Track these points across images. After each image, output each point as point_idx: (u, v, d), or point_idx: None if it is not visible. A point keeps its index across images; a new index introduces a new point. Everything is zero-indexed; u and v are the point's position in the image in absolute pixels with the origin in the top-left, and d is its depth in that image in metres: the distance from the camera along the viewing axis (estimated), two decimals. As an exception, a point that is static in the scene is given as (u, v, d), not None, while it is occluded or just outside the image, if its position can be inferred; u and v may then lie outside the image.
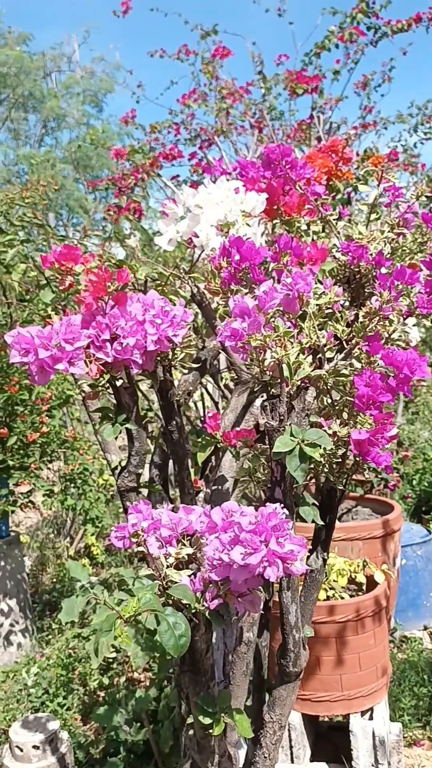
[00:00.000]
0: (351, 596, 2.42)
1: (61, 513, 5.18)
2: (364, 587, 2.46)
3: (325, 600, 2.28)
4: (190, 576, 0.92)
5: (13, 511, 3.49)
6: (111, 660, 3.36)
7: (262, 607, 0.91)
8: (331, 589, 2.36)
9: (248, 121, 5.05)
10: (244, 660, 1.17)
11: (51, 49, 13.41)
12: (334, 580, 2.35)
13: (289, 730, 2.27)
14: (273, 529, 0.81)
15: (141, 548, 0.89)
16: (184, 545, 0.95)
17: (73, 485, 3.68)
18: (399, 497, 4.67)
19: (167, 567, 0.91)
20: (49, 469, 3.91)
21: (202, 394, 3.15)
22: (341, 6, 4.90)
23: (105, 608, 1.18)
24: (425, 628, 3.45)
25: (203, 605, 0.88)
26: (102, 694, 3.27)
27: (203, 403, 3.32)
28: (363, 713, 2.30)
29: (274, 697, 1.11)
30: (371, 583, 2.43)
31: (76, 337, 1.07)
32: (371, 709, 2.30)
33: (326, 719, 2.55)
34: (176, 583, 0.90)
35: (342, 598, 2.35)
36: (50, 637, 3.89)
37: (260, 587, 0.87)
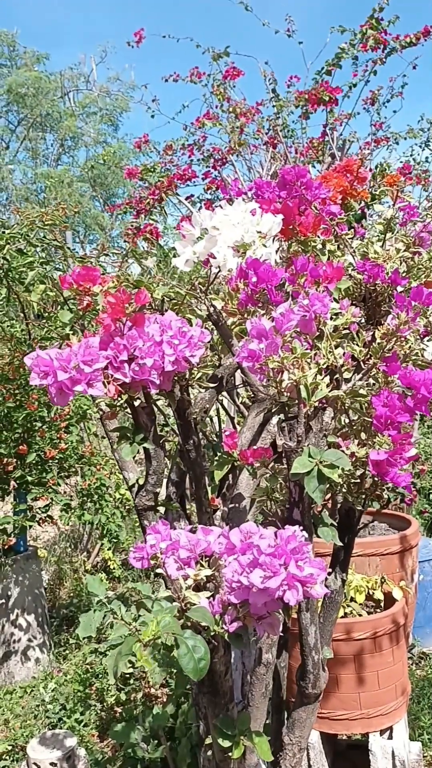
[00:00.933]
0: (369, 613, 2.40)
1: (78, 527, 5.20)
2: (382, 604, 2.44)
3: (342, 617, 2.27)
4: (208, 598, 0.92)
5: (31, 526, 3.51)
6: (128, 675, 3.36)
7: (281, 629, 0.91)
8: (348, 606, 2.35)
9: (261, 138, 5.08)
10: (263, 681, 1.16)
11: (69, 69, 13.60)
12: (351, 598, 2.34)
13: (307, 749, 2.25)
14: (292, 552, 0.82)
15: (160, 570, 0.90)
16: (203, 566, 0.96)
17: (90, 500, 3.69)
18: (416, 512, 4.63)
19: (186, 589, 0.92)
20: (66, 483, 3.93)
21: (218, 410, 3.16)
22: (349, 24, 4.92)
23: (122, 624, 1.18)
24: (444, 645, 3.41)
25: (222, 628, 0.89)
26: (119, 710, 3.26)
27: (219, 419, 3.32)
28: (382, 732, 2.27)
29: (293, 719, 1.10)
30: (389, 600, 2.41)
31: (95, 359, 1.08)
32: (390, 728, 2.28)
33: (345, 737, 2.52)
34: (195, 605, 0.90)
35: (360, 615, 2.34)
36: (67, 652, 3.89)
37: (279, 609, 0.88)
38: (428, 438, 5.87)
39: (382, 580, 2.45)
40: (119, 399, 1.21)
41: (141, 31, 5.33)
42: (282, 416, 1.08)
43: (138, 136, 5.44)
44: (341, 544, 1.09)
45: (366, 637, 2.20)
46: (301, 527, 0.98)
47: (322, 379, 1.00)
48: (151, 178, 4.69)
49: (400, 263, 1.39)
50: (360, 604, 2.39)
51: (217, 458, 1.45)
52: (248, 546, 0.89)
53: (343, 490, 1.08)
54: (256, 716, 1.15)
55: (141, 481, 1.36)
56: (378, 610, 2.40)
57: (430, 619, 3.40)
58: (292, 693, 1.15)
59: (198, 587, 0.95)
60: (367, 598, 2.44)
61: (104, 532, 3.58)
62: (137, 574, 4.56)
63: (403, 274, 1.38)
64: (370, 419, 1.04)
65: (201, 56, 5.42)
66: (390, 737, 2.25)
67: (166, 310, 1.48)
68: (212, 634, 0.90)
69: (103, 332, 1.17)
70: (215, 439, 2.64)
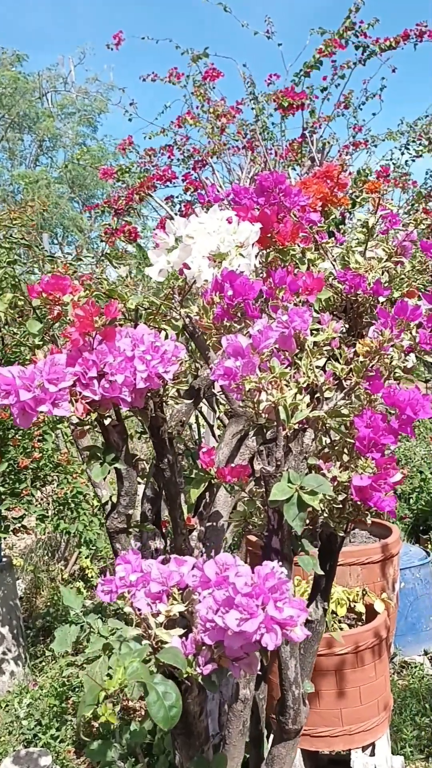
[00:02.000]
0: (350, 626, 2.36)
1: (56, 535, 5.10)
2: (363, 617, 2.40)
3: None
4: (181, 636, 0.86)
5: (4, 537, 3.42)
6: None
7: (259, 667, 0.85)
8: (329, 619, 2.30)
9: (241, 141, 5.03)
10: (240, 718, 1.10)
11: (47, 70, 13.47)
12: (333, 611, 2.29)
13: None
14: (271, 590, 0.76)
15: (128, 609, 0.84)
16: (176, 600, 0.90)
17: (66, 508, 3.61)
18: (396, 518, 4.60)
19: (157, 626, 0.85)
20: (42, 492, 3.84)
21: (197, 417, 3.10)
22: (330, 26, 4.89)
23: (98, 638, 1.11)
24: (425, 653, 3.38)
25: (196, 670, 0.82)
26: (96, 724, 3.18)
27: (198, 426, 3.27)
28: (364, 748, 2.23)
29: (273, 755, 1.05)
30: (371, 612, 2.37)
31: (61, 377, 1.01)
32: (373, 744, 2.23)
33: (326, 752, 2.47)
34: (166, 644, 0.84)
35: (341, 628, 2.29)
36: (44, 664, 3.80)
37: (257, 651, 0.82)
38: (408, 442, 5.86)
39: (364, 592, 2.41)
40: (88, 417, 1.14)
41: (120, 34, 5.27)
42: (260, 437, 1.02)
43: (116, 138, 5.39)
44: (322, 572, 1.04)
45: (347, 651, 2.15)
46: (280, 557, 0.92)
47: (302, 398, 0.94)
48: (127, 179, 4.62)
49: (382, 273, 1.34)
50: (342, 617, 2.34)
51: (193, 476, 1.39)
52: (223, 580, 0.83)
53: (324, 515, 1.02)
54: (233, 755, 1.09)
55: (115, 499, 1.30)
56: (359, 623, 2.36)
57: (412, 628, 3.37)
58: (272, 727, 1.10)
59: (170, 624, 0.88)
60: (348, 611, 2.40)
61: (81, 541, 3.50)
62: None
63: (385, 284, 1.33)
64: (352, 440, 0.99)
65: (180, 57, 5.36)
66: (372, 753, 2.21)
67: (141, 320, 1.41)
68: (185, 675, 0.83)
69: (71, 347, 1.11)
70: (194, 446, 2.58)
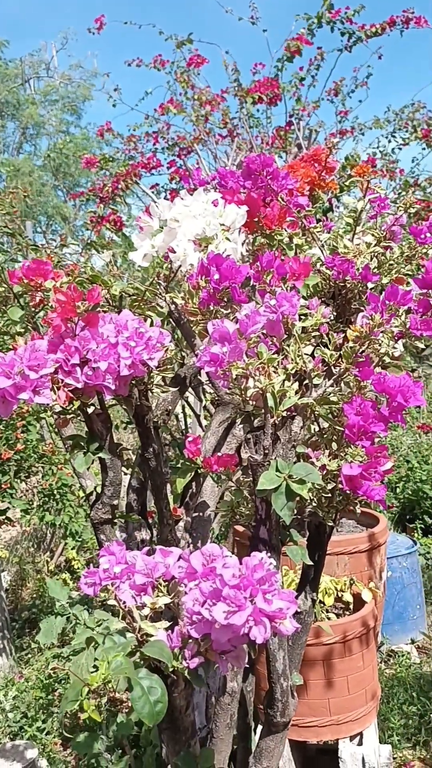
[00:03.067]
0: (338, 615, 2.35)
1: (41, 527, 5.07)
2: (351, 606, 2.39)
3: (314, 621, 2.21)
4: (167, 629, 0.83)
5: (-12, 529, 3.38)
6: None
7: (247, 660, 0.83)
8: (317, 609, 2.29)
9: (227, 129, 4.98)
10: (227, 711, 1.09)
11: (29, 56, 13.27)
12: (320, 601, 2.28)
13: (275, 758, 2.19)
14: (259, 582, 0.73)
15: (112, 602, 0.81)
16: (161, 592, 0.87)
17: (52, 499, 3.58)
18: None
19: (142, 619, 0.83)
20: (26, 483, 3.80)
21: (183, 406, 3.07)
22: (314, 11, 4.84)
23: (84, 629, 1.08)
24: (412, 642, 3.39)
25: (182, 664, 0.80)
26: (83, 716, 3.16)
27: (185, 415, 3.24)
28: (352, 738, 2.22)
29: (260, 748, 1.03)
30: (358, 602, 2.36)
31: (42, 364, 0.98)
32: (360, 733, 2.23)
33: (314, 742, 2.47)
34: (152, 637, 0.82)
35: (329, 618, 2.28)
36: (30, 656, 3.78)
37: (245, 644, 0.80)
38: (394, 431, 5.87)
39: (351, 582, 2.40)
40: (71, 406, 1.11)
41: (102, 18, 5.19)
42: (247, 426, 1.00)
43: (101, 125, 5.30)
44: (311, 562, 1.02)
45: (335, 641, 2.14)
46: (269, 547, 0.90)
47: (291, 385, 0.92)
48: (111, 167, 4.56)
49: (371, 258, 1.31)
50: (329, 606, 2.33)
51: (179, 466, 1.36)
52: (210, 571, 0.81)
53: (313, 504, 1.00)
54: (221, 748, 1.07)
55: (99, 490, 1.27)
56: (347, 613, 2.35)
57: (399, 616, 3.38)
58: (260, 718, 1.08)
59: (155, 616, 0.86)
60: (336, 600, 2.39)
61: (67, 532, 3.47)
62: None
63: (374, 270, 1.31)
64: (341, 428, 0.96)
65: (164, 44, 5.31)
66: (360, 743, 2.21)
67: (125, 307, 1.38)
68: (171, 669, 0.81)
69: (52, 333, 1.07)
70: (180, 436, 2.56)
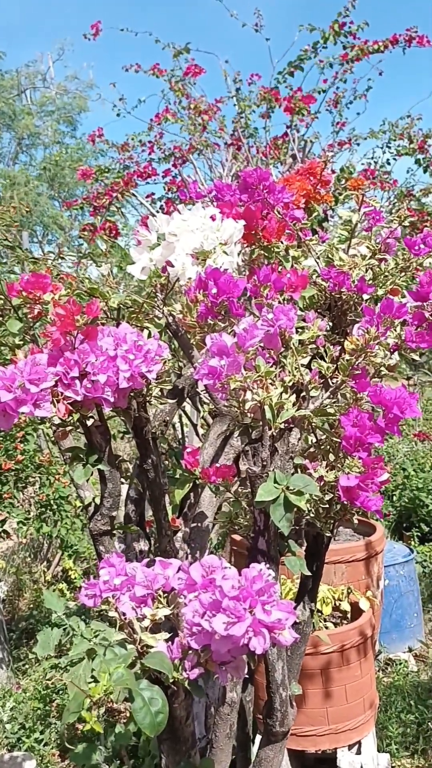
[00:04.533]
0: (336, 624, 2.35)
1: (38, 537, 5.06)
2: (348, 615, 2.39)
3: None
4: (167, 641, 0.84)
5: (-14, 540, 3.37)
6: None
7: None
8: (315, 618, 2.29)
9: (223, 138, 5.01)
10: (227, 722, 1.09)
11: (25, 67, 13.34)
12: (318, 610, 2.28)
13: None
14: (258, 593, 0.74)
15: (113, 613, 0.82)
16: (161, 604, 0.88)
17: (48, 509, 3.57)
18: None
19: (143, 630, 0.84)
20: (24, 494, 3.80)
21: (180, 416, 3.08)
22: (319, 22, 4.87)
23: (82, 640, 1.09)
24: (410, 650, 3.39)
25: (182, 674, 0.81)
26: (80, 727, 3.15)
27: (182, 425, 3.25)
28: (350, 747, 2.23)
29: (260, 758, 1.03)
30: (356, 611, 2.36)
31: (42, 378, 0.99)
32: (359, 742, 2.23)
33: (313, 751, 2.47)
34: (152, 648, 0.82)
35: (327, 627, 2.28)
36: (27, 666, 3.76)
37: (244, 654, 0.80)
38: (390, 439, 5.88)
39: (349, 591, 2.40)
40: (70, 418, 1.12)
41: (98, 24, 5.21)
42: (245, 437, 1.01)
43: (93, 131, 5.32)
44: (309, 573, 1.02)
45: (333, 650, 2.14)
46: (267, 558, 0.91)
47: (288, 397, 0.93)
48: (106, 178, 4.58)
49: (366, 270, 1.33)
50: (326, 616, 2.33)
51: (177, 477, 1.37)
52: (210, 582, 0.82)
53: (311, 515, 1.01)
54: (220, 758, 1.08)
55: (98, 501, 1.28)
56: (345, 622, 2.35)
57: (396, 625, 3.38)
58: (259, 728, 1.08)
59: (155, 628, 0.87)
60: (333, 609, 2.39)
61: (63, 544, 3.47)
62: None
63: (369, 282, 1.32)
64: (338, 439, 0.97)
65: (161, 53, 5.34)
66: (358, 752, 2.21)
67: (123, 319, 1.39)
68: (171, 680, 0.82)
69: (52, 346, 1.08)
70: (178, 446, 2.56)
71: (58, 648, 3.44)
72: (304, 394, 0.99)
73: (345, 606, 2.37)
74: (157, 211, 4.87)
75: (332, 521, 1.02)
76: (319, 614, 2.30)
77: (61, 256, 2.84)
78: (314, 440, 1.04)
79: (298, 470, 0.98)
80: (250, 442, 0.94)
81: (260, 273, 1.02)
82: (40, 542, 5.13)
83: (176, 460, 2.06)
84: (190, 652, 0.81)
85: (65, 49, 13.94)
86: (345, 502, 0.95)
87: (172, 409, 1.55)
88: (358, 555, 2.65)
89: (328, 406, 1.00)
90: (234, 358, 0.89)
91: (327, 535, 1.04)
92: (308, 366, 1.02)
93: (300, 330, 1.01)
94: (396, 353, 1.36)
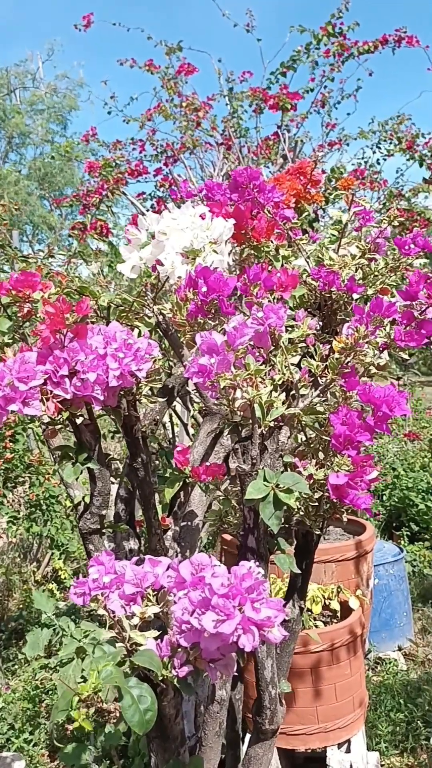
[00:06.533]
0: (325, 623, 2.36)
1: (28, 536, 5.04)
2: (338, 614, 2.40)
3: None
4: (156, 638, 0.84)
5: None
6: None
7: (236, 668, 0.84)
8: (304, 617, 2.30)
9: (215, 137, 5.02)
10: (216, 720, 1.09)
11: (15, 66, 13.29)
12: (308, 609, 2.29)
13: (264, 766, 2.19)
14: (248, 591, 0.75)
15: (102, 611, 0.82)
16: (151, 602, 0.88)
17: (38, 509, 3.57)
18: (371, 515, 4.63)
19: (132, 628, 0.84)
20: (13, 494, 3.79)
21: (171, 416, 3.08)
22: (309, 23, 4.90)
23: (72, 640, 1.08)
24: (400, 649, 3.40)
25: (171, 672, 0.81)
26: (70, 727, 3.14)
27: (172, 425, 3.24)
28: (340, 745, 2.23)
29: (249, 755, 1.03)
30: (346, 609, 2.37)
31: (31, 375, 0.99)
32: (348, 740, 2.24)
33: (303, 750, 2.47)
34: (141, 646, 0.82)
35: (317, 626, 2.29)
36: (16, 667, 3.75)
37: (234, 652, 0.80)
38: (380, 439, 5.91)
39: (339, 590, 2.41)
40: (60, 416, 1.12)
41: (89, 16, 5.20)
42: (235, 435, 1.01)
43: (86, 131, 5.32)
44: (299, 571, 1.03)
45: (323, 649, 2.15)
46: (257, 556, 0.91)
47: (278, 396, 0.93)
48: (109, 173, 4.58)
49: (356, 270, 1.33)
50: (316, 614, 2.34)
51: (167, 475, 1.37)
52: (199, 580, 0.82)
53: (300, 513, 1.01)
54: (210, 756, 1.08)
55: (87, 500, 1.28)
56: (334, 620, 2.36)
57: (386, 624, 3.39)
58: (249, 726, 1.08)
59: (145, 626, 0.87)
60: (323, 608, 2.40)
61: (53, 544, 3.46)
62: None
63: (359, 281, 1.33)
64: (328, 437, 0.98)
65: (152, 52, 5.34)
66: (348, 750, 2.21)
67: (113, 318, 1.39)
68: (160, 678, 0.82)
69: (41, 345, 1.08)
70: (168, 445, 2.56)
71: (47, 648, 3.42)
72: (293, 392, 0.99)
73: (335, 605, 2.37)
74: (148, 210, 4.86)
75: (322, 519, 1.02)
76: (309, 613, 2.30)
77: (51, 254, 2.84)
78: (304, 439, 1.05)
79: (288, 468, 0.98)
80: (239, 441, 0.94)
81: (250, 271, 1.02)
82: (30, 542, 5.11)
83: (167, 460, 2.06)
84: (180, 649, 0.81)
85: (55, 49, 13.91)
86: (334, 500, 0.95)
87: (162, 408, 1.55)
88: (348, 554, 2.66)
89: (318, 405, 1.00)
90: (224, 356, 0.89)
91: (316, 533, 1.04)
92: (298, 365, 1.02)
93: (290, 328, 1.01)
94: (386, 353, 1.37)
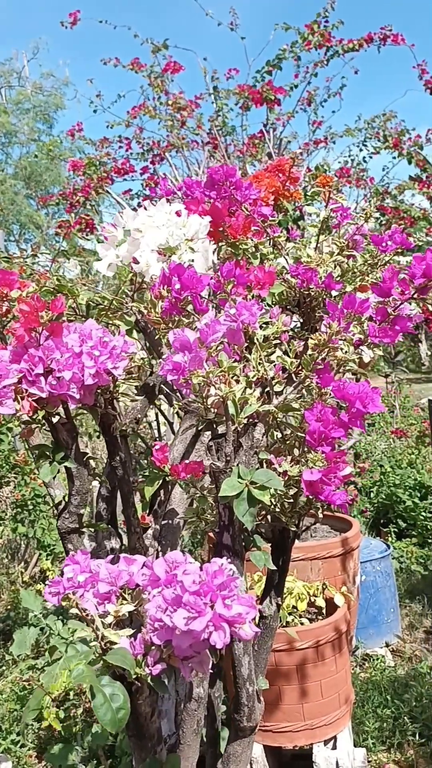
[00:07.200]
0: (311, 620, 2.36)
1: (15, 537, 5.02)
2: (324, 611, 2.40)
3: (284, 626, 2.22)
4: (130, 637, 0.84)
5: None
6: (68, 691, 3.23)
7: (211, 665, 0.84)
8: (290, 614, 2.30)
9: (201, 136, 5.02)
10: (194, 717, 1.09)
11: (0, 64, 13.23)
12: (294, 607, 2.29)
13: (251, 764, 2.19)
14: (219, 588, 0.74)
15: (75, 610, 0.81)
16: (125, 600, 0.88)
17: (24, 510, 3.55)
18: (357, 511, 4.65)
19: (106, 627, 0.83)
20: (-1, 495, 3.77)
21: (156, 415, 3.07)
22: (294, 21, 4.91)
23: (58, 639, 1.07)
24: (387, 645, 3.41)
25: (145, 671, 0.81)
26: (43, 725, 3.12)
27: (158, 423, 3.24)
28: (326, 742, 2.24)
29: (228, 753, 1.03)
30: (331, 606, 2.37)
31: (4, 374, 0.98)
32: (335, 737, 2.24)
33: (289, 747, 2.47)
34: (116, 645, 0.82)
35: (302, 623, 2.29)
36: (4, 668, 3.73)
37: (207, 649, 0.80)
38: (368, 436, 5.93)
39: (324, 587, 2.41)
40: (36, 415, 1.11)
41: (76, 13, 5.18)
42: (211, 432, 1.01)
43: (72, 126, 5.29)
44: (274, 567, 1.03)
45: (308, 646, 2.15)
46: (232, 553, 0.91)
47: (252, 393, 0.93)
48: (93, 172, 4.57)
49: (335, 267, 1.33)
50: (302, 612, 2.34)
51: (146, 474, 1.36)
52: (173, 578, 0.82)
53: (276, 510, 1.01)
54: (188, 754, 1.08)
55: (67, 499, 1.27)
56: (320, 618, 2.36)
57: (373, 620, 3.40)
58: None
59: (120, 624, 0.86)
60: (309, 605, 2.40)
61: (40, 545, 3.45)
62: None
63: (338, 278, 1.33)
64: (303, 434, 0.98)
65: (138, 50, 5.33)
66: (334, 747, 2.22)
67: (93, 317, 1.39)
68: (135, 676, 0.82)
69: (15, 343, 1.08)
70: (153, 444, 2.55)
71: (35, 649, 3.40)
72: (268, 389, 0.99)
73: (320, 602, 2.37)
74: (134, 209, 4.85)
75: (298, 516, 1.02)
76: (295, 610, 2.30)
77: (35, 253, 2.83)
78: (280, 436, 1.05)
79: (263, 465, 0.98)
80: (214, 438, 0.94)
81: (223, 268, 1.02)
82: (17, 543, 5.09)
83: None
84: (153, 647, 0.81)
85: (40, 48, 13.85)
86: (309, 497, 0.95)
87: (143, 407, 1.55)
88: (334, 551, 2.66)
89: (293, 402, 1.00)
90: (196, 353, 0.89)
91: (292, 529, 1.04)
92: (272, 362, 1.02)
93: (265, 325, 1.01)
94: (369, 351, 1.37)
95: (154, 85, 5.08)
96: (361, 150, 5.77)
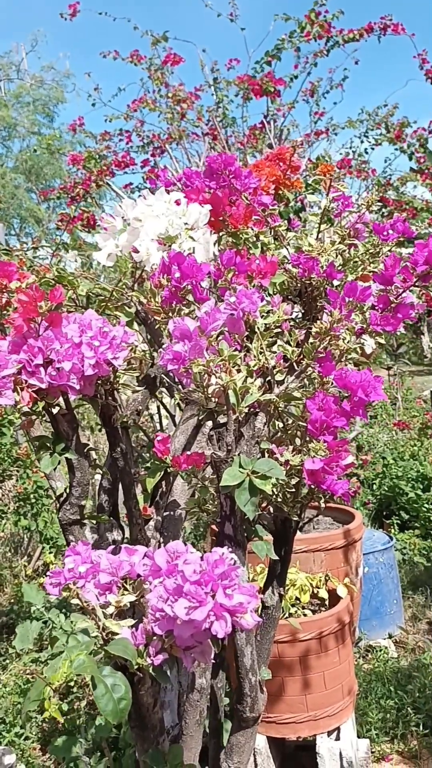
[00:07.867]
0: (314, 612, 2.36)
1: (18, 530, 5.03)
2: (326, 602, 2.40)
3: (287, 617, 2.22)
4: (131, 627, 0.83)
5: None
6: (71, 684, 3.24)
7: (213, 655, 0.83)
8: (293, 606, 2.30)
9: (201, 127, 4.99)
10: (197, 708, 1.09)
11: (-1, 57, 13.18)
12: (297, 598, 2.29)
13: (254, 755, 2.19)
14: (220, 577, 0.74)
15: (75, 601, 0.81)
16: (127, 590, 0.87)
17: (27, 503, 3.55)
18: (360, 503, 4.65)
19: (107, 617, 0.83)
20: (1, 488, 3.77)
21: (158, 407, 3.07)
22: (294, 12, 4.88)
23: (62, 632, 1.08)
24: (390, 637, 3.41)
25: (146, 661, 0.80)
26: (62, 720, 3.13)
27: (160, 416, 3.23)
28: (329, 733, 2.24)
29: (231, 743, 1.03)
30: (334, 598, 2.37)
31: (3, 365, 0.98)
32: (338, 728, 2.25)
33: (293, 739, 2.48)
34: (117, 635, 0.82)
35: (305, 615, 2.29)
36: (7, 661, 3.74)
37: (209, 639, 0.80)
38: (371, 429, 5.92)
39: (327, 578, 2.41)
40: (36, 406, 1.10)
41: (76, 5, 5.16)
42: (212, 422, 1.00)
43: (73, 121, 5.28)
44: (277, 557, 1.02)
45: (311, 637, 2.15)
46: (233, 543, 0.90)
47: (253, 382, 0.92)
48: (92, 165, 4.56)
49: (336, 256, 1.32)
50: (305, 603, 2.34)
51: (148, 465, 1.36)
52: (174, 568, 0.81)
53: (278, 500, 1.01)
54: (191, 745, 1.08)
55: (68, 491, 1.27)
56: (323, 609, 2.36)
57: (376, 612, 3.40)
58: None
59: (121, 614, 0.86)
60: (312, 597, 2.40)
61: (42, 538, 3.45)
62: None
63: (339, 268, 1.32)
64: (304, 423, 0.97)
65: (138, 42, 5.32)
66: (338, 738, 2.22)
67: (93, 308, 1.38)
68: (136, 667, 0.81)
69: (14, 333, 1.07)
70: (155, 436, 2.54)
71: (38, 642, 3.41)
72: (269, 378, 0.98)
73: (323, 593, 2.37)
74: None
75: (300, 506, 1.01)
76: (297, 602, 2.30)
77: (35, 246, 2.82)
78: (281, 425, 1.04)
79: (265, 455, 0.98)
80: (215, 427, 0.93)
81: (223, 256, 1.01)
82: (20, 536, 5.10)
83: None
84: (154, 637, 0.80)
85: (39, 40, 13.79)
86: (311, 486, 0.94)
87: (144, 399, 1.54)
88: (336, 543, 2.66)
89: (295, 391, 0.99)
90: (196, 342, 0.88)
91: (294, 519, 1.03)
92: (274, 350, 1.01)
93: (266, 314, 1.00)
94: (372, 341, 1.35)
95: (154, 78, 5.06)
96: (362, 141, 5.75)
